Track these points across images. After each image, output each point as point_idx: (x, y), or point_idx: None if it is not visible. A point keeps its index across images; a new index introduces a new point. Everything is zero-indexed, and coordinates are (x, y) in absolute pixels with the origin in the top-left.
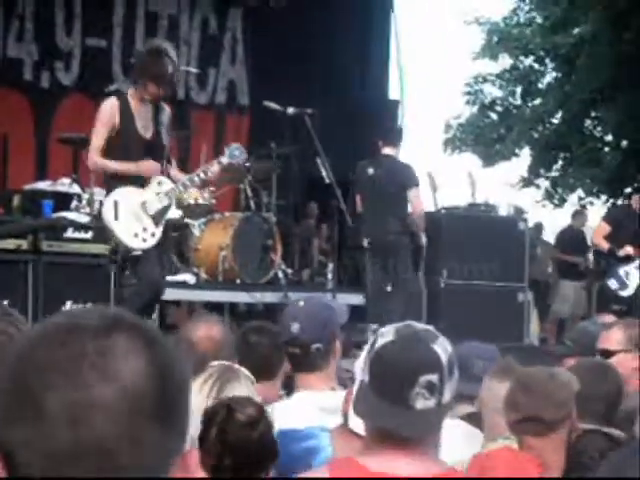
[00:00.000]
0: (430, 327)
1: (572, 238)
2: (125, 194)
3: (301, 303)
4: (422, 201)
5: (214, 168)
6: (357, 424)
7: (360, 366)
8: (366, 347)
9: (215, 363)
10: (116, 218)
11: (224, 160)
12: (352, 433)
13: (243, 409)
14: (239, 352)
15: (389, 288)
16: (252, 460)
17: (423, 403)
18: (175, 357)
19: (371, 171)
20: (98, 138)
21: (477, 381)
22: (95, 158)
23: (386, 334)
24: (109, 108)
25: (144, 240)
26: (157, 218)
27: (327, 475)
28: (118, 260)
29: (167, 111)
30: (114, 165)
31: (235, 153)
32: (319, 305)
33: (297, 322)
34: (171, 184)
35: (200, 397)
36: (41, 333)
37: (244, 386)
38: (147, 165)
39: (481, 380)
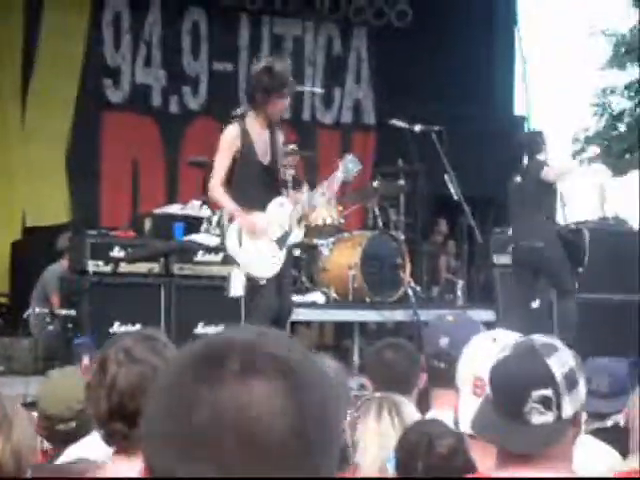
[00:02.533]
0: (553, 340)
1: None
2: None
3: (450, 318)
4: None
5: (331, 184)
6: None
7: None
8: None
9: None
10: (240, 245)
11: (339, 174)
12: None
13: (442, 440)
14: (373, 370)
15: (534, 304)
16: None
17: (539, 418)
18: (317, 394)
19: (518, 179)
20: (220, 167)
21: (601, 397)
22: (215, 189)
23: (506, 348)
24: (230, 136)
25: (269, 267)
26: (280, 242)
27: None
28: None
29: (281, 138)
30: (226, 203)
31: (349, 166)
32: (469, 321)
33: (447, 337)
34: (292, 205)
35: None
36: (183, 368)
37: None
38: (250, 222)
39: (606, 397)
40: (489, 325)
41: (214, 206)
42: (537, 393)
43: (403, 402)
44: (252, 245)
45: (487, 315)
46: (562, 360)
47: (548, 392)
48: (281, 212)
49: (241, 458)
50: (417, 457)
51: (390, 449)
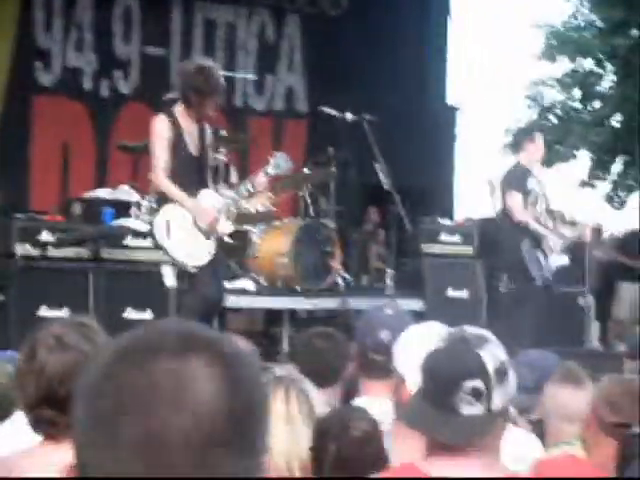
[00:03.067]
0: (485, 332)
1: (635, 241)
2: (176, 211)
3: (389, 311)
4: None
5: (260, 179)
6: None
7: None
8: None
9: (278, 373)
10: (168, 236)
11: (270, 170)
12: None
13: (358, 424)
14: (301, 358)
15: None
16: (361, 472)
17: (469, 409)
18: (253, 378)
19: None
20: (161, 158)
21: (526, 391)
22: (161, 180)
23: (438, 339)
24: (161, 126)
25: (198, 258)
26: (209, 234)
27: None
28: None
29: (209, 132)
30: (174, 192)
31: (280, 163)
32: (407, 315)
33: (387, 329)
34: (220, 198)
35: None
36: (117, 355)
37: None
38: (203, 210)
39: (530, 390)
40: (417, 314)
41: (145, 191)
42: (468, 384)
43: (309, 387)
44: (180, 235)
45: (415, 304)
46: (493, 352)
47: (479, 383)
48: (209, 204)
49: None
50: (331, 439)
51: (298, 433)
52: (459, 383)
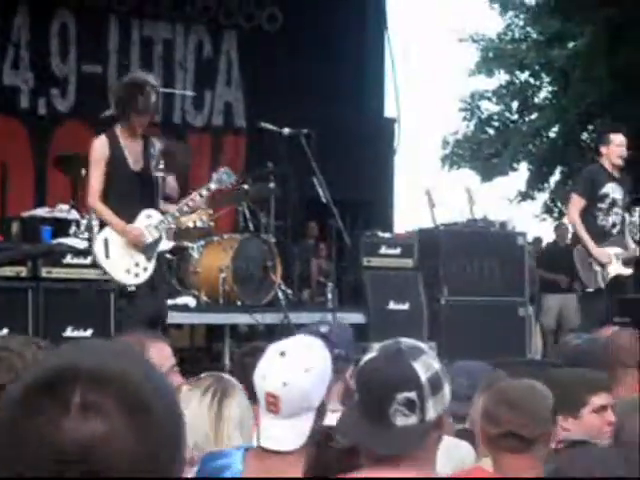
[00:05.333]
0: (419, 343)
1: (555, 254)
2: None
3: (323, 329)
4: None
5: (203, 194)
6: (267, 441)
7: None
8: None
9: (206, 375)
10: (107, 256)
11: (212, 185)
12: (265, 451)
13: None
14: (236, 374)
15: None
16: None
17: (403, 420)
18: (160, 419)
19: None
20: (93, 179)
21: (462, 400)
22: (92, 202)
23: (372, 351)
24: (99, 147)
25: (136, 275)
26: (148, 252)
27: None
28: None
29: (158, 146)
30: (107, 215)
31: (223, 177)
32: (343, 328)
33: (327, 326)
34: (160, 216)
35: (200, 410)
36: (18, 400)
37: (242, 397)
38: (134, 233)
39: (467, 399)
40: (359, 328)
41: (83, 210)
42: (402, 396)
43: (237, 391)
44: (119, 253)
45: (357, 318)
46: (427, 363)
47: (412, 395)
48: (149, 223)
49: None
50: None
51: (197, 432)
52: (393, 395)
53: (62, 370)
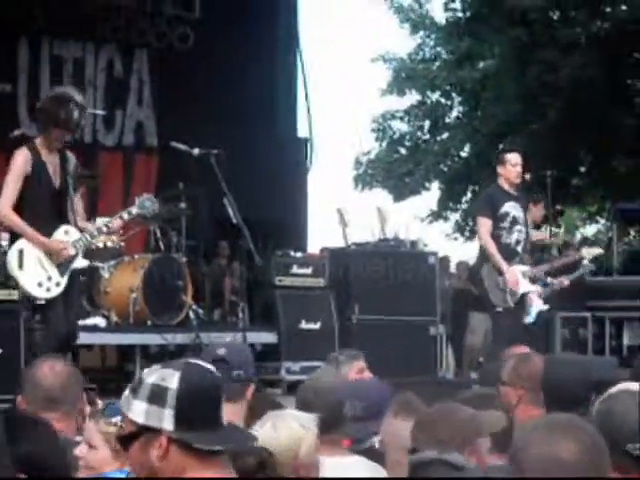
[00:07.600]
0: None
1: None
2: (30, 243)
3: (220, 351)
4: None
5: (124, 217)
6: None
7: None
8: None
9: None
10: (20, 267)
11: (134, 210)
12: None
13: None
14: None
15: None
16: None
17: None
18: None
19: None
20: (9, 190)
21: (356, 420)
22: (5, 211)
23: None
24: (22, 162)
25: (48, 289)
26: (62, 267)
27: None
28: (28, 306)
29: (73, 161)
30: (20, 226)
31: (146, 204)
32: (240, 347)
33: (225, 348)
34: (78, 234)
35: None
36: None
37: None
38: (59, 246)
39: (357, 420)
40: (271, 347)
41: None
42: None
43: None
44: (33, 266)
45: (269, 337)
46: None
47: None
48: (67, 239)
49: None
50: None
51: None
52: None
53: None
